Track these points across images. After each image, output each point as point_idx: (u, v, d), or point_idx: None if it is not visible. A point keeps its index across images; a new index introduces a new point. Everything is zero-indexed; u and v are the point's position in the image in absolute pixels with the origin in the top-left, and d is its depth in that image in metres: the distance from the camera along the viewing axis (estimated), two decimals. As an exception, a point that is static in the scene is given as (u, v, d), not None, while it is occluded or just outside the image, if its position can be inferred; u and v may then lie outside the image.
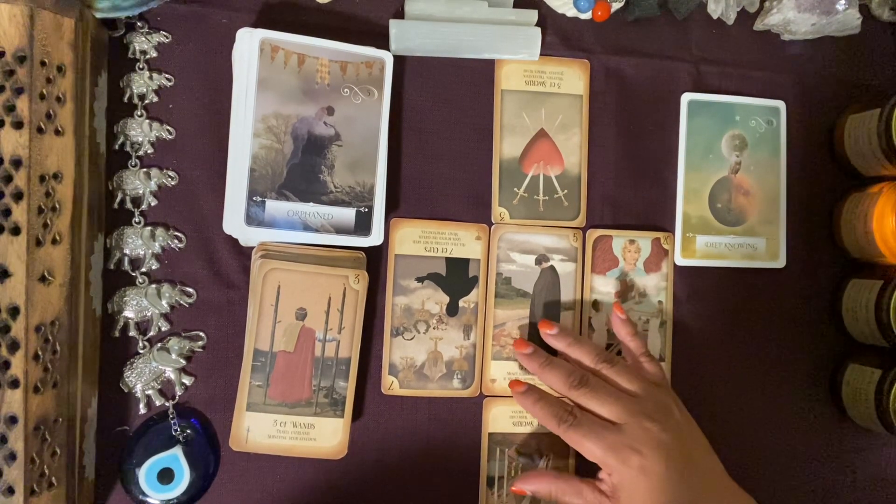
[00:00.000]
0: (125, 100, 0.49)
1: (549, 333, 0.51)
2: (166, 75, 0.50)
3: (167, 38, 0.50)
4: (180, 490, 0.47)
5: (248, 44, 0.47)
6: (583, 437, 0.46)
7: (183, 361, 0.49)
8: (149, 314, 0.48)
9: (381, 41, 0.51)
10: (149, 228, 0.49)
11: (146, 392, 0.48)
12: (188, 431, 0.48)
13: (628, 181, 0.56)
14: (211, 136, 0.50)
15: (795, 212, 0.58)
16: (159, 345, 0.49)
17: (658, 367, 0.51)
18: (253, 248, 0.49)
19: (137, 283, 0.49)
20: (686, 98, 0.56)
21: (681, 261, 0.56)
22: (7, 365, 0.39)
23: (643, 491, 0.44)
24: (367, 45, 0.50)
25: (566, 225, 0.54)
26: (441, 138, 0.53)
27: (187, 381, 0.49)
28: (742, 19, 0.58)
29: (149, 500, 0.47)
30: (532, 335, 0.53)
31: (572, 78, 0.55)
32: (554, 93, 0.55)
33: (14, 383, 0.39)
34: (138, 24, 0.49)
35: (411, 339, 0.52)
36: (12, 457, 0.39)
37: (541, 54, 0.54)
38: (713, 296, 0.57)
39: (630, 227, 0.55)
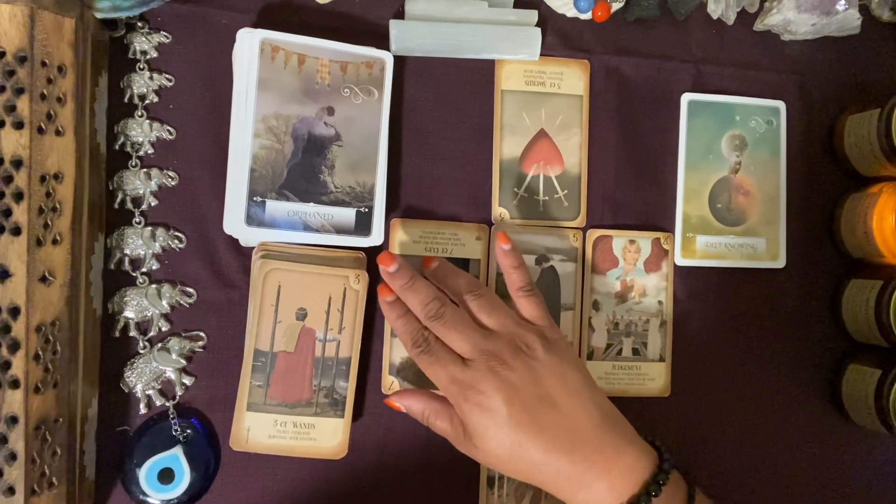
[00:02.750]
0: (125, 100, 0.49)
1: (388, 271, 0.47)
2: (166, 75, 0.50)
3: (167, 38, 0.50)
4: (181, 490, 0.47)
5: (249, 44, 0.47)
6: (430, 365, 0.44)
7: (183, 361, 0.49)
8: (149, 314, 0.49)
9: (381, 41, 0.51)
10: (149, 228, 0.49)
11: (146, 392, 0.48)
12: (188, 431, 0.48)
13: (628, 181, 0.56)
14: (211, 136, 0.50)
15: (795, 212, 0.58)
16: (160, 345, 0.49)
17: (536, 303, 0.47)
18: (253, 248, 0.49)
19: (138, 283, 0.49)
20: (686, 98, 0.56)
21: (681, 261, 0.56)
22: (8, 365, 0.39)
23: (484, 428, 0.42)
24: (367, 45, 0.50)
25: (566, 225, 0.54)
26: (441, 138, 0.53)
27: (187, 381, 0.49)
28: (742, 19, 0.58)
29: (149, 500, 0.47)
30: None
31: (572, 78, 0.55)
32: (554, 93, 0.55)
33: (15, 383, 0.39)
34: (138, 24, 0.49)
35: (411, 339, 0.52)
36: (13, 457, 0.39)
37: (541, 54, 0.54)
38: (713, 296, 0.57)
39: (630, 227, 0.55)
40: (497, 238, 0.49)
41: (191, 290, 0.49)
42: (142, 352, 0.48)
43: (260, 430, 0.48)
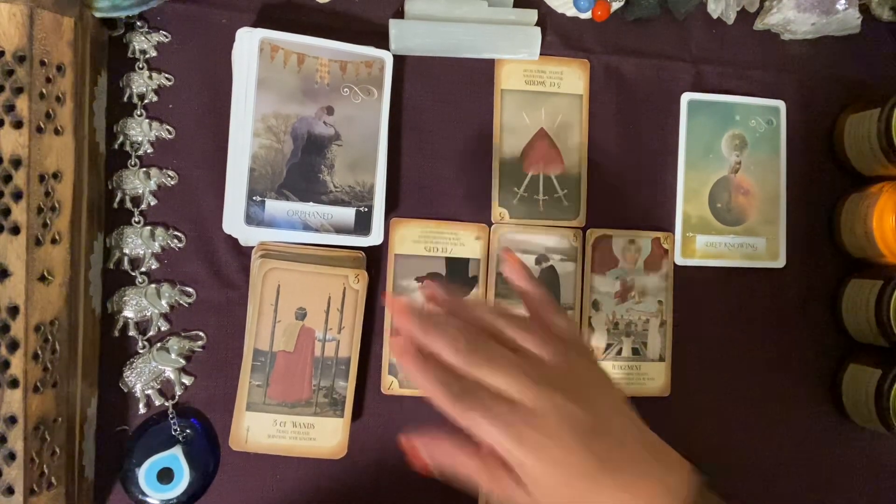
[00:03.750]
0: (125, 99, 0.49)
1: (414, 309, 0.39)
2: (166, 75, 0.50)
3: (167, 37, 0.50)
4: (180, 490, 0.47)
5: (248, 43, 0.47)
6: (475, 416, 0.37)
7: (183, 361, 0.49)
8: (148, 314, 0.48)
9: (381, 41, 0.51)
10: (148, 228, 0.49)
11: (146, 392, 0.48)
12: (188, 431, 0.48)
13: (628, 181, 0.56)
14: (211, 135, 0.50)
15: (795, 212, 0.58)
16: (159, 344, 0.49)
17: (567, 318, 0.42)
18: (253, 247, 0.49)
19: (137, 282, 0.49)
20: (686, 98, 0.56)
21: (681, 261, 0.56)
22: (7, 365, 0.39)
23: (542, 471, 0.37)
24: (367, 44, 0.50)
25: (566, 225, 0.54)
26: (441, 138, 0.53)
27: (187, 380, 0.49)
28: (742, 19, 0.58)
29: (149, 499, 0.47)
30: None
31: (572, 78, 0.55)
32: (554, 92, 0.55)
33: (14, 383, 0.39)
34: (138, 23, 0.49)
35: (411, 338, 0.52)
36: (12, 456, 0.39)
37: (541, 54, 0.54)
38: (713, 296, 0.57)
39: (630, 227, 0.55)
40: (507, 258, 0.44)
41: (190, 289, 0.49)
42: (141, 351, 0.48)
43: (259, 429, 0.48)
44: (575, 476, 0.37)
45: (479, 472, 0.39)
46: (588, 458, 0.37)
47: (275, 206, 0.48)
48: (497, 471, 0.38)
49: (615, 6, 0.54)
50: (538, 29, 0.53)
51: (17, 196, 0.39)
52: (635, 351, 0.55)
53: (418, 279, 0.52)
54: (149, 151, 0.49)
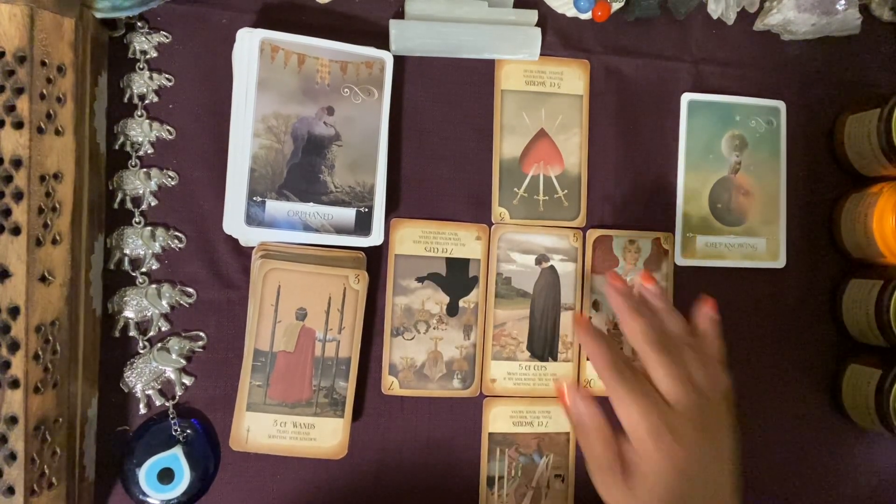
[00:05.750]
0: (125, 100, 0.49)
1: (648, 288, 0.47)
2: (166, 75, 0.50)
3: (167, 38, 0.50)
4: (180, 490, 0.47)
5: (248, 44, 0.47)
6: (628, 394, 0.41)
7: (183, 361, 0.49)
8: (149, 314, 0.48)
9: (381, 41, 0.51)
10: (149, 228, 0.49)
11: (146, 392, 0.48)
12: (188, 431, 0.48)
13: (628, 181, 0.56)
14: (211, 136, 0.50)
15: (795, 212, 0.58)
16: (159, 345, 0.49)
17: (727, 379, 0.45)
18: (253, 248, 0.49)
19: (137, 283, 0.49)
20: (686, 98, 0.56)
21: (681, 261, 0.56)
22: (7, 365, 0.39)
23: (656, 478, 0.40)
24: (367, 45, 0.50)
25: (566, 225, 0.54)
26: (441, 138, 0.53)
27: (187, 381, 0.49)
28: (742, 19, 0.58)
29: (149, 500, 0.47)
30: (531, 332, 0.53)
31: (572, 78, 0.55)
32: (554, 93, 0.55)
33: (14, 383, 0.39)
34: (138, 24, 0.49)
35: (411, 339, 0.52)
36: (12, 457, 0.39)
37: (541, 54, 0.54)
38: (713, 296, 0.56)
39: (630, 227, 0.55)
40: (707, 305, 0.48)
41: (190, 290, 0.49)
42: (141, 352, 0.48)
43: (260, 430, 0.48)
44: (679, 480, 0.40)
45: (599, 432, 0.43)
46: (690, 492, 0.40)
47: (275, 207, 0.48)
48: (612, 445, 0.42)
49: (615, 6, 0.54)
50: (538, 29, 0.53)
51: (18, 196, 0.39)
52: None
53: (418, 279, 0.52)
54: (149, 152, 0.49)
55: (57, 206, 0.41)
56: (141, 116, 0.49)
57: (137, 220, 0.49)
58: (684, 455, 0.40)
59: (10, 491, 0.39)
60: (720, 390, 0.44)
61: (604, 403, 0.43)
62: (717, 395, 0.44)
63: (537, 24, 0.53)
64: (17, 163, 0.39)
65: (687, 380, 0.42)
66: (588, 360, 0.47)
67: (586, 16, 0.55)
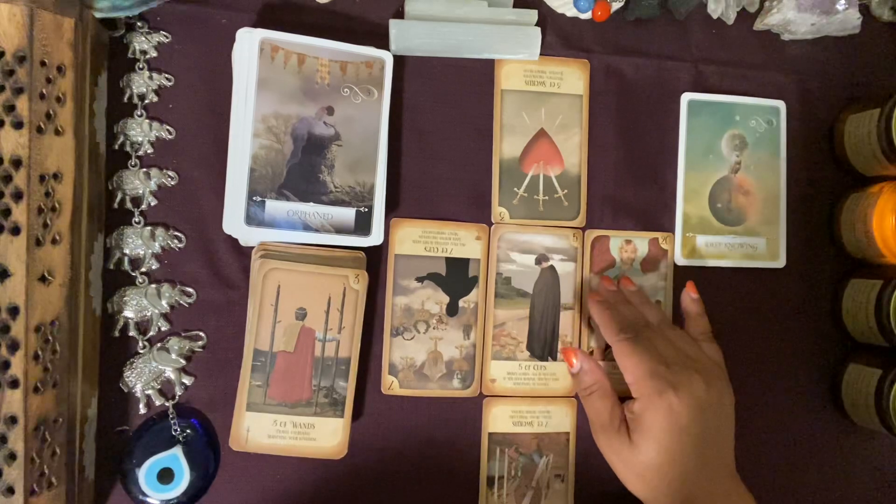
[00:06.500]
0: (125, 100, 0.49)
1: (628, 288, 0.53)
2: (166, 75, 0.50)
3: (167, 38, 0.50)
4: (180, 490, 0.47)
5: (248, 44, 0.47)
6: (632, 351, 0.46)
7: (183, 361, 0.49)
8: (149, 314, 0.48)
9: (381, 41, 0.51)
10: (149, 228, 0.49)
11: (146, 392, 0.48)
12: (188, 431, 0.48)
13: (628, 181, 0.56)
14: (211, 135, 0.50)
15: (795, 212, 0.58)
16: (159, 345, 0.49)
17: (716, 349, 0.50)
18: (253, 248, 0.49)
19: (137, 282, 0.49)
20: (686, 98, 0.56)
21: (681, 261, 0.56)
22: (7, 365, 0.39)
23: (659, 430, 0.44)
24: (367, 45, 0.50)
25: (566, 225, 0.54)
26: (441, 138, 0.53)
27: (187, 381, 0.49)
28: (742, 19, 0.58)
29: (149, 500, 0.47)
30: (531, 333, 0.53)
31: (572, 78, 0.55)
32: (554, 93, 0.55)
33: (14, 383, 0.39)
34: (138, 24, 0.49)
35: (411, 339, 0.52)
36: (12, 457, 0.39)
37: (541, 54, 0.54)
38: (713, 296, 0.57)
39: (630, 228, 0.55)
40: (687, 287, 0.53)
41: (190, 289, 0.49)
42: (141, 352, 0.48)
43: (259, 429, 0.48)
44: (678, 449, 0.43)
45: (603, 391, 0.47)
46: (693, 448, 0.44)
47: (275, 207, 0.48)
48: (616, 404, 0.46)
49: (615, 6, 0.54)
50: (538, 29, 0.53)
51: (18, 196, 0.39)
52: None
53: (418, 279, 0.52)
54: (149, 152, 0.49)
55: (57, 205, 0.41)
56: (141, 116, 0.49)
57: (137, 219, 0.49)
58: (685, 410, 0.44)
59: (10, 491, 0.39)
60: (711, 357, 0.49)
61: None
62: (709, 362, 0.48)
63: (537, 24, 0.53)
64: (16, 163, 0.39)
65: (675, 345, 0.47)
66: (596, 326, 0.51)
67: (586, 16, 0.55)
